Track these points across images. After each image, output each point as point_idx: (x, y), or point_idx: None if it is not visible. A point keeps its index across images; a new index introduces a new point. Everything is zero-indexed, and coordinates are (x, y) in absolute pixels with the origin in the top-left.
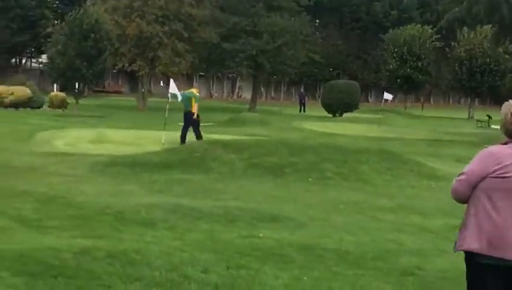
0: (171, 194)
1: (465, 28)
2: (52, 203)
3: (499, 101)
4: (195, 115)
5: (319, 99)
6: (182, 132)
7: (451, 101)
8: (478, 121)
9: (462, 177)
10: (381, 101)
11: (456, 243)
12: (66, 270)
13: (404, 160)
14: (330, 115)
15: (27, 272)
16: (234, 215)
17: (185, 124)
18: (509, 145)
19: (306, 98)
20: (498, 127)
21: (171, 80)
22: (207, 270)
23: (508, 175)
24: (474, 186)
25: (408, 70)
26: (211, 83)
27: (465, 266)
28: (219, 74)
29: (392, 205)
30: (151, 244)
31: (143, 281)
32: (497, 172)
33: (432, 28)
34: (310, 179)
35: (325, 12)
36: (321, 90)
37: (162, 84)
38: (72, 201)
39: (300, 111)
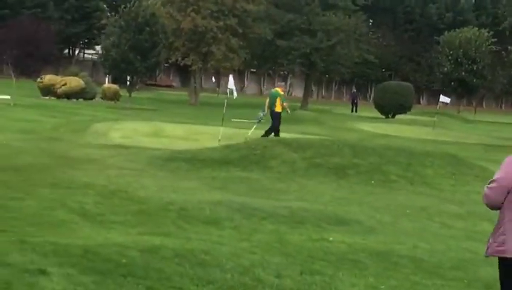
0: (233, 192)
1: None
2: (113, 197)
3: None
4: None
5: (370, 100)
6: (274, 129)
7: (503, 106)
8: None
9: (494, 184)
10: (434, 104)
11: (488, 248)
12: (134, 269)
13: (469, 165)
14: (383, 116)
15: (95, 270)
16: (300, 216)
17: (274, 122)
18: None
19: (358, 98)
20: None
21: (230, 76)
22: (280, 274)
23: None
24: (507, 192)
25: (463, 73)
26: (262, 79)
27: (500, 268)
28: (270, 71)
29: (461, 212)
30: (218, 245)
31: (215, 284)
32: None
33: (488, 32)
34: (373, 182)
35: (379, 12)
36: (373, 91)
37: (213, 79)
38: (133, 195)
39: (352, 111)
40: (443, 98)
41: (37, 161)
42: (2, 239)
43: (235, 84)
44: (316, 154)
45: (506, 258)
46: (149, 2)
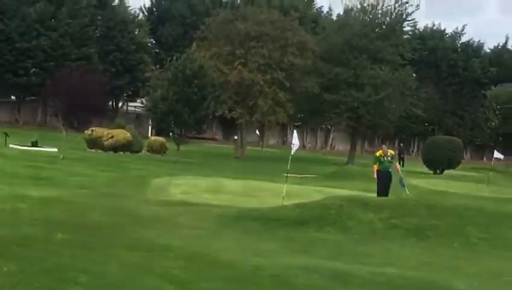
0: (315, 255)
1: None
2: (197, 261)
3: None
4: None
5: (413, 154)
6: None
7: None
8: None
9: None
10: (477, 159)
11: None
12: None
13: None
14: (431, 171)
15: None
16: (398, 284)
17: (387, 182)
18: None
19: (404, 153)
20: None
21: (295, 132)
22: None
23: None
24: None
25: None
26: (305, 133)
27: None
28: (313, 126)
29: None
30: None
31: None
32: None
33: None
34: (455, 245)
35: (423, 66)
36: (415, 145)
37: (257, 132)
38: (217, 259)
39: (399, 164)
40: (497, 154)
41: (106, 219)
42: None
43: (272, 137)
44: (393, 214)
45: None
46: (196, 55)
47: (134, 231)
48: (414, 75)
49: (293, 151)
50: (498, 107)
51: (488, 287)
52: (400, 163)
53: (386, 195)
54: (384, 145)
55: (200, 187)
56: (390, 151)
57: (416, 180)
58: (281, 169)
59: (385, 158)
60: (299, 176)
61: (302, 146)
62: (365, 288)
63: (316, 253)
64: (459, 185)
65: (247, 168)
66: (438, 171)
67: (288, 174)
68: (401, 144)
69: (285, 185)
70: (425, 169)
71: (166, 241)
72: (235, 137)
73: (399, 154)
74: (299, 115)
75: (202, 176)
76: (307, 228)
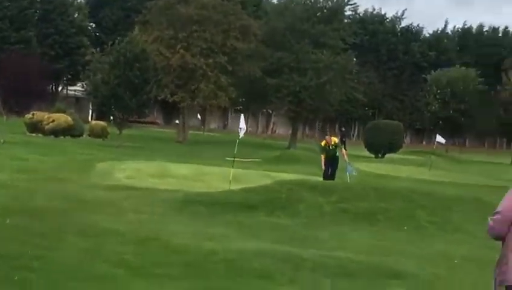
0: (266, 240)
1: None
2: (149, 246)
3: None
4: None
5: (353, 138)
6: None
7: (486, 144)
8: None
9: (497, 216)
10: (417, 142)
11: (496, 279)
12: None
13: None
14: (372, 155)
15: None
16: (352, 269)
17: (333, 167)
18: None
19: (346, 137)
20: None
21: (242, 116)
22: None
23: None
24: (510, 223)
25: (451, 112)
26: (246, 117)
27: None
28: (253, 109)
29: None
30: None
31: None
32: None
33: (475, 70)
34: (405, 228)
35: (363, 50)
36: (359, 130)
37: (199, 117)
38: (168, 244)
39: None
40: (439, 138)
41: (52, 204)
42: None
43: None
44: (342, 198)
45: (510, 288)
46: (138, 38)
47: (83, 216)
48: (355, 59)
49: (241, 136)
50: (438, 91)
51: (440, 271)
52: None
53: (333, 179)
54: (327, 136)
55: (145, 171)
56: (334, 139)
57: (359, 164)
58: (224, 153)
59: (330, 147)
60: (243, 160)
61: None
62: (317, 272)
63: (267, 237)
64: (402, 168)
65: (189, 152)
66: (380, 155)
67: (230, 158)
68: (343, 128)
69: (232, 169)
70: (367, 153)
71: (115, 226)
72: (177, 121)
73: (341, 138)
74: (240, 99)
75: (145, 160)
76: (257, 212)
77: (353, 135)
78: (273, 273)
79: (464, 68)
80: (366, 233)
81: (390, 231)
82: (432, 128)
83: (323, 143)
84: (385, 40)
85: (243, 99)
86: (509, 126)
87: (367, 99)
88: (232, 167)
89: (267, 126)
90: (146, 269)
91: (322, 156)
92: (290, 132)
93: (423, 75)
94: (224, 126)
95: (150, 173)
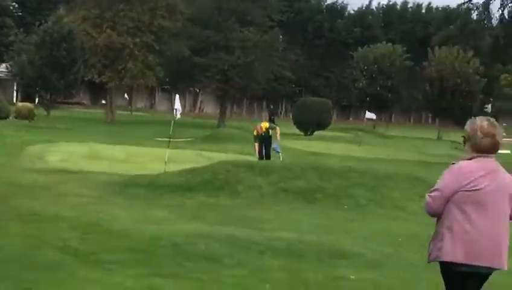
0: (209, 222)
1: (437, 48)
2: (92, 232)
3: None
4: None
5: (281, 116)
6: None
7: (412, 119)
8: (453, 142)
9: (436, 193)
10: (344, 119)
11: (430, 254)
12: None
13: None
14: (301, 133)
15: None
16: (297, 249)
17: (266, 149)
18: (475, 160)
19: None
20: None
21: (177, 96)
22: None
23: (478, 188)
24: (447, 201)
25: (378, 88)
26: (173, 97)
27: (440, 274)
28: (181, 88)
29: None
30: (240, 288)
31: None
32: (468, 186)
33: (401, 47)
34: (346, 207)
35: (289, 28)
36: (287, 107)
37: (126, 96)
38: (111, 229)
39: None
40: (369, 115)
41: None
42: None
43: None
44: (281, 178)
45: (445, 263)
46: (64, 20)
47: (20, 201)
48: (281, 37)
49: (177, 116)
50: (365, 67)
51: (386, 249)
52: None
53: (268, 159)
54: (257, 124)
55: (78, 154)
56: (265, 125)
57: (289, 142)
58: (153, 133)
59: (263, 134)
60: (175, 140)
61: (171, 109)
62: (265, 254)
63: (209, 219)
64: (332, 146)
65: (119, 133)
66: (308, 133)
67: (164, 139)
68: (271, 106)
69: (167, 150)
70: (296, 130)
71: (55, 211)
72: (103, 101)
73: (269, 116)
74: (166, 79)
75: (77, 142)
76: (196, 194)
77: (281, 113)
78: (221, 256)
79: (390, 44)
80: (308, 212)
81: (331, 210)
82: (358, 104)
83: (255, 133)
84: (311, 17)
85: (167, 79)
86: (434, 102)
87: (294, 77)
88: (168, 147)
89: (194, 105)
90: (93, 256)
91: (256, 145)
92: (219, 110)
93: (349, 52)
94: (151, 106)
95: (83, 155)
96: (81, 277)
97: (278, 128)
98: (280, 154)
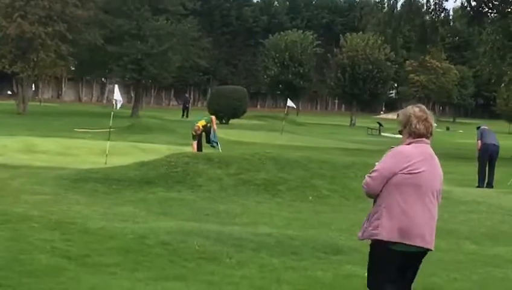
0: (181, 217)
1: (348, 34)
2: (71, 232)
3: (372, 108)
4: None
5: (190, 105)
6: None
7: (318, 107)
8: (368, 128)
9: (375, 174)
10: (252, 106)
11: (364, 232)
12: None
13: None
14: (217, 121)
15: None
16: (290, 246)
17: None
18: (413, 145)
19: (189, 103)
20: (388, 134)
21: (116, 86)
22: None
23: (416, 171)
24: (385, 182)
25: (290, 76)
26: (80, 86)
27: (370, 250)
28: (88, 78)
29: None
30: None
31: None
32: (408, 169)
33: (312, 34)
34: (311, 198)
35: (197, 16)
36: (195, 96)
37: (33, 87)
38: (88, 228)
39: (183, 116)
40: (290, 103)
41: None
42: None
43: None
44: (240, 169)
45: (380, 242)
46: None
47: None
48: (189, 26)
49: (118, 106)
50: (277, 55)
51: None
52: (183, 114)
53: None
54: (195, 124)
55: (11, 147)
56: (201, 123)
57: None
58: (70, 124)
59: (199, 132)
60: (97, 130)
61: (78, 99)
62: (262, 252)
63: (179, 214)
64: (254, 134)
65: (36, 125)
66: (224, 121)
67: (85, 129)
68: (186, 95)
69: (108, 142)
70: None
71: (21, 211)
72: (9, 92)
73: (184, 105)
74: (71, 68)
75: (13, 135)
76: (155, 188)
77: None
78: (219, 256)
79: (301, 32)
80: (274, 205)
81: (296, 202)
82: (264, 92)
83: (193, 132)
84: (218, 5)
85: (73, 68)
86: (346, 88)
87: (201, 65)
88: (109, 139)
89: (102, 94)
90: (88, 259)
91: (193, 143)
92: (126, 100)
93: (258, 40)
94: (58, 96)
95: (17, 148)
96: (87, 282)
97: (213, 117)
98: (218, 145)
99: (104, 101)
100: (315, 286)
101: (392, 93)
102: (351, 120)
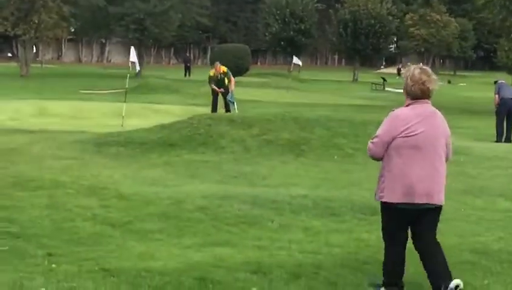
0: (210, 180)
1: None
2: (109, 198)
3: (372, 63)
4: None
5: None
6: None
7: (318, 62)
8: (373, 84)
9: (376, 139)
10: (253, 63)
11: (375, 194)
12: None
13: None
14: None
15: None
16: (327, 207)
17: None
18: (411, 106)
19: (191, 62)
20: (392, 89)
21: (132, 48)
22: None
23: (413, 133)
24: (386, 146)
25: (291, 32)
26: (80, 47)
27: (380, 208)
28: (87, 38)
29: (462, 187)
30: (313, 254)
31: None
32: (405, 132)
33: None
34: (336, 157)
35: None
36: (195, 54)
37: (34, 49)
38: (122, 193)
39: (185, 75)
40: (296, 60)
41: None
42: (74, 269)
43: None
44: (263, 130)
45: (386, 203)
46: None
47: (2, 165)
48: None
49: (137, 69)
50: (278, 12)
51: None
52: (186, 73)
53: (228, 111)
54: (217, 62)
55: (25, 112)
56: (223, 68)
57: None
58: (75, 86)
59: (219, 76)
60: (105, 91)
61: (78, 60)
62: (302, 215)
63: (208, 177)
64: (261, 92)
65: (41, 88)
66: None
67: (89, 91)
68: (187, 54)
69: (124, 104)
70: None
71: (47, 176)
72: (9, 54)
73: (185, 64)
74: (72, 29)
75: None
76: (179, 151)
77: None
78: (260, 220)
79: None
80: (300, 165)
81: (322, 162)
82: (263, 49)
83: (212, 72)
84: None
85: (73, 30)
86: (348, 43)
87: (200, 24)
88: (125, 101)
89: (101, 55)
90: (131, 225)
91: (212, 86)
92: (127, 59)
93: None
94: (58, 57)
95: (30, 113)
96: (135, 249)
97: (232, 77)
98: (235, 104)
99: (104, 61)
100: (366, 249)
101: (391, 47)
102: (354, 75)
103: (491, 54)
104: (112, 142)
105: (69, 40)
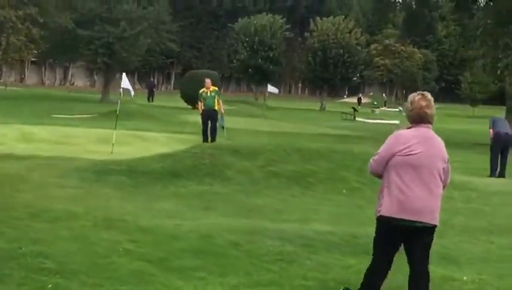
0: (227, 213)
1: (318, 18)
2: (132, 231)
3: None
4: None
5: (158, 89)
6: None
7: (282, 91)
8: (343, 113)
9: (377, 156)
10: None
11: (376, 211)
12: None
13: None
14: (190, 106)
15: None
16: (358, 245)
17: (212, 123)
18: (412, 129)
19: (155, 88)
20: (362, 119)
21: (124, 74)
22: None
23: (412, 153)
24: (386, 164)
25: (259, 60)
26: (43, 70)
27: (376, 224)
28: (50, 61)
29: (483, 224)
30: None
31: None
32: (404, 150)
33: (282, 18)
34: (344, 191)
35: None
36: (159, 79)
37: None
38: (144, 227)
39: (148, 100)
40: (271, 88)
41: None
42: None
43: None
44: (268, 161)
45: (382, 217)
46: None
47: (8, 193)
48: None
49: (132, 95)
50: (246, 39)
51: (439, 241)
52: (149, 98)
53: (212, 140)
54: (207, 79)
55: (9, 136)
56: (213, 87)
57: (190, 116)
58: (45, 109)
59: (208, 94)
60: (78, 116)
61: (41, 82)
62: (336, 253)
63: (222, 210)
64: (237, 120)
65: (12, 111)
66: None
67: (62, 116)
68: (152, 79)
69: (114, 132)
70: (184, 104)
71: (64, 207)
72: None
73: (149, 89)
74: (35, 51)
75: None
76: (185, 181)
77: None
78: (295, 257)
79: (270, 15)
80: (311, 199)
81: (331, 195)
82: (226, 76)
83: (201, 90)
84: None
85: (36, 52)
86: (315, 71)
87: (164, 49)
88: (115, 128)
89: (64, 78)
90: (168, 262)
91: (200, 104)
92: (89, 83)
93: (228, 24)
94: (21, 79)
95: (14, 137)
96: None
97: (220, 100)
98: (225, 130)
99: (68, 84)
100: None
101: (355, 77)
102: (321, 104)
103: (453, 86)
104: (112, 170)
105: (32, 63)
